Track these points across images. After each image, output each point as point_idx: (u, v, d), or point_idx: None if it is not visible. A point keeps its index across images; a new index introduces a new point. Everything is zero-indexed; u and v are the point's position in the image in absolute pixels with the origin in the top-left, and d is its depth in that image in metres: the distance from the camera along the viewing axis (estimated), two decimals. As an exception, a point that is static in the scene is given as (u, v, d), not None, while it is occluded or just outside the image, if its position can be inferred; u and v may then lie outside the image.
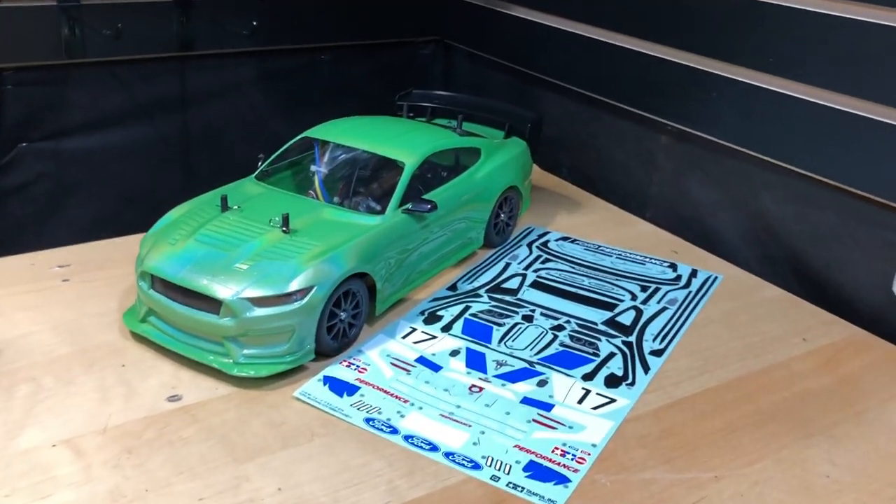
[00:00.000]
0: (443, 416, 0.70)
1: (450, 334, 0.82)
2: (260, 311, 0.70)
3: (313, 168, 0.91)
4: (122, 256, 0.92)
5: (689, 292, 0.93)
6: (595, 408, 0.72)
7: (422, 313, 0.85)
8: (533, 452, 0.66)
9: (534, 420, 0.70)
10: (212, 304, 0.71)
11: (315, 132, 0.92)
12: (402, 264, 0.83)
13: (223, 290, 0.71)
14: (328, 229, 0.78)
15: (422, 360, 0.77)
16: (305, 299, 0.71)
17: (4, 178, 1.21)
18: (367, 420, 0.68)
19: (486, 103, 1.09)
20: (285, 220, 0.76)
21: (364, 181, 0.89)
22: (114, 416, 0.67)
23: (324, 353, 0.76)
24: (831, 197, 0.91)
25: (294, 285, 0.71)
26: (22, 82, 1.18)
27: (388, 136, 0.91)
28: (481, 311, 0.86)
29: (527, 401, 0.72)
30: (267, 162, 0.90)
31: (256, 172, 0.89)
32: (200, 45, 1.30)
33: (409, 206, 0.83)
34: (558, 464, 0.65)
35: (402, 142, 0.89)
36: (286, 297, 0.71)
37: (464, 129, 1.03)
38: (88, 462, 0.62)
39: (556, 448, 0.66)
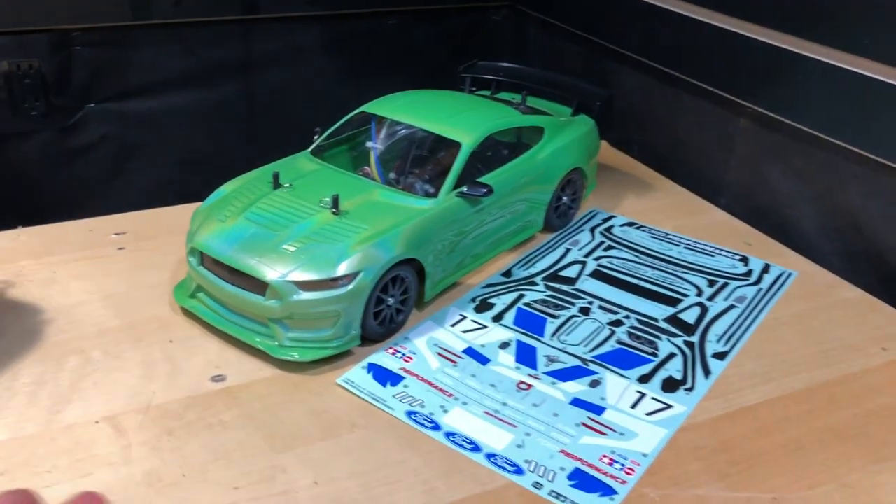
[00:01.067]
0: (487, 413, 0.67)
1: (501, 325, 0.79)
2: (306, 295, 0.69)
3: (369, 144, 0.88)
4: (178, 225, 0.91)
5: (760, 289, 0.87)
6: (649, 413, 0.68)
7: (473, 300, 0.82)
8: (579, 459, 0.63)
9: (583, 424, 0.66)
10: (258, 284, 0.70)
11: (372, 107, 0.89)
12: (454, 248, 0.80)
13: (270, 272, 0.69)
14: (379, 212, 0.75)
15: (470, 352, 0.74)
16: (352, 285, 0.69)
17: (71, 139, 1.22)
18: (409, 413, 0.66)
19: (555, 78, 1.04)
20: (335, 202, 0.74)
21: (420, 160, 0.86)
22: (157, 394, 0.67)
23: (370, 339, 0.74)
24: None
25: (341, 270, 0.69)
26: (89, 43, 1.18)
27: (447, 113, 0.87)
28: (535, 301, 0.83)
29: (577, 402, 0.69)
30: (322, 137, 0.88)
31: (311, 147, 0.87)
32: (266, 8, 1.28)
33: (463, 189, 0.80)
34: (605, 473, 0.62)
35: (461, 120, 0.86)
36: (332, 282, 0.69)
37: (528, 105, 0.98)
38: (129, 442, 0.62)
39: (605, 456, 0.63)
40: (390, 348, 0.74)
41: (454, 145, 0.82)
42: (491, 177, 0.84)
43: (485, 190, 0.79)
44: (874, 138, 0.88)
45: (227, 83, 1.32)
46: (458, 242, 0.81)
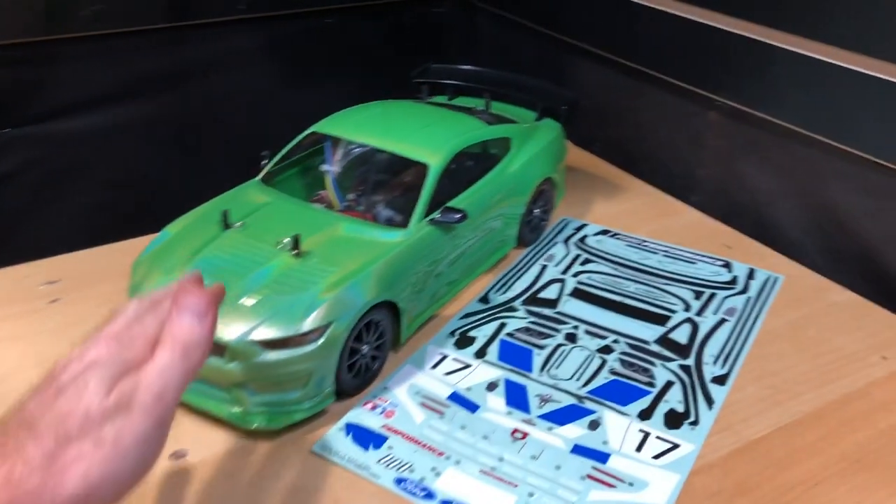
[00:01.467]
0: (484, 472, 0.61)
1: (485, 361, 0.72)
2: (271, 355, 0.61)
3: (324, 168, 0.80)
4: (118, 268, 0.81)
5: (749, 298, 0.83)
6: (656, 456, 0.63)
7: (452, 334, 0.76)
8: (590, 520, 0.57)
9: (588, 476, 0.61)
10: (216, 346, 0.62)
11: (325, 126, 0.81)
12: (429, 280, 0.74)
13: (227, 331, 0.61)
14: (345, 250, 0.68)
15: (455, 398, 0.68)
16: (322, 339, 0.62)
17: (-11, 169, 1.11)
18: (398, 481, 0.60)
19: (516, 80, 0.98)
20: (295, 243, 0.66)
21: (383, 184, 0.79)
22: (109, 481, 0.59)
23: (344, 393, 0.67)
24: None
25: (309, 323, 0.62)
26: (1, 62, 1.07)
27: (409, 130, 0.80)
28: (518, 330, 0.77)
29: (578, 449, 0.63)
30: (272, 162, 0.80)
31: (261, 174, 0.79)
32: (195, 13, 1.18)
33: (436, 216, 0.73)
34: (620, 534, 0.56)
35: (425, 137, 0.78)
36: (301, 338, 0.62)
37: (492, 112, 0.92)
38: (80, 545, 0.54)
39: (617, 513, 0.58)
40: (368, 402, 0.67)
41: (420, 167, 0.75)
42: (462, 198, 0.77)
43: (459, 216, 0.72)
44: (857, 133, 0.84)
45: (159, 96, 1.21)
46: (433, 273, 0.74)
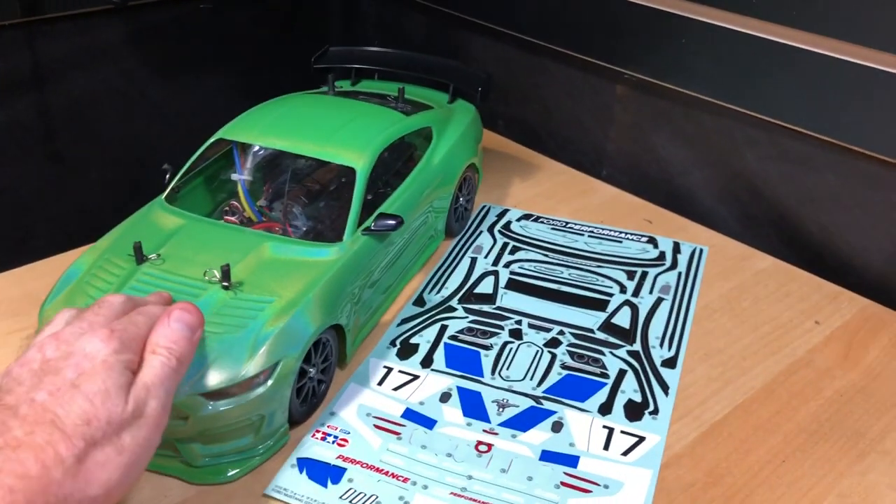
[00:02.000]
0: (454, 494, 0.58)
1: (433, 370, 0.69)
2: (218, 406, 0.55)
3: (235, 177, 0.74)
4: (5, 303, 0.73)
5: (679, 273, 0.83)
6: (625, 453, 0.62)
7: (392, 344, 0.72)
8: (575, 533, 0.55)
9: (562, 484, 0.59)
10: (148, 397, 0.55)
11: (231, 132, 0.74)
12: (364, 291, 0.69)
13: (161, 380, 0.54)
14: (278, 274, 0.62)
15: (410, 415, 0.64)
16: (272, 380, 0.56)
17: None
18: (368, 517, 0.56)
19: (424, 61, 0.93)
20: (225, 274, 0.60)
21: (304, 194, 0.73)
22: (40, 565, 0.51)
23: (294, 423, 0.62)
24: (828, 156, 0.82)
25: (256, 365, 0.56)
26: None
27: (326, 130, 0.74)
28: (460, 331, 0.73)
29: (547, 455, 0.61)
30: (176, 177, 0.72)
31: (165, 193, 0.71)
32: (50, 6, 1.06)
33: (369, 225, 0.68)
34: (606, 543, 0.54)
35: (345, 137, 0.73)
36: (248, 382, 0.56)
37: (405, 98, 0.87)
38: None
39: (599, 521, 0.56)
40: (318, 431, 0.62)
41: (345, 172, 0.70)
42: (392, 200, 0.72)
43: (394, 222, 0.68)
44: (770, 101, 0.85)
45: (16, 100, 1.09)
46: (368, 283, 0.69)
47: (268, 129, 0.74)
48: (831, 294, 0.81)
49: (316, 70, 0.94)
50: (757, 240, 0.90)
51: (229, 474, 0.57)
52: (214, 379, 0.54)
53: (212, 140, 0.74)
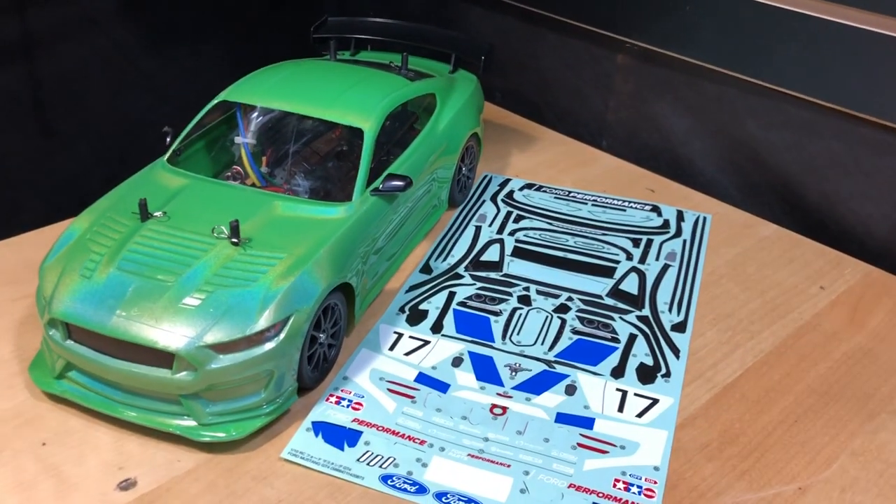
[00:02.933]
0: (472, 456, 0.57)
1: (443, 335, 0.68)
2: (227, 360, 0.54)
3: (238, 140, 0.72)
4: (3, 269, 0.72)
5: (685, 241, 0.83)
6: (639, 414, 0.61)
7: (402, 310, 0.71)
8: (593, 492, 0.55)
9: (579, 445, 0.58)
10: (160, 356, 0.54)
11: (234, 93, 0.73)
12: (372, 255, 0.68)
13: (174, 339, 0.54)
14: (288, 232, 0.61)
15: (423, 379, 0.63)
16: (283, 334, 0.56)
17: None
18: (385, 478, 0.55)
19: (426, 32, 0.92)
20: (234, 230, 0.59)
21: (310, 156, 0.72)
22: (51, 527, 0.51)
23: (305, 388, 0.61)
24: (830, 123, 0.82)
25: (266, 320, 0.55)
26: None
27: (331, 93, 0.73)
28: (469, 298, 0.73)
29: (562, 418, 0.61)
30: (178, 139, 0.71)
31: (167, 154, 0.70)
32: (41, -27, 1.04)
33: (377, 185, 0.67)
34: (625, 502, 0.54)
35: (351, 100, 0.72)
36: (258, 336, 0.55)
37: (409, 68, 0.86)
38: None
39: (617, 480, 0.56)
40: (331, 396, 0.61)
41: (353, 133, 0.69)
42: (400, 163, 0.71)
43: (403, 183, 0.67)
44: (773, 68, 0.84)
45: (4, 70, 1.06)
46: (373, 248, 0.68)
47: (272, 91, 0.73)
48: (834, 260, 0.81)
49: (315, 40, 0.92)
50: (759, 208, 0.90)
51: (236, 433, 0.55)
52: (225, 332, 0.53)
53: (214, 102, 0.72)
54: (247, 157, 0.72)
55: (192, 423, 0.56)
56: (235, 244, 0.59)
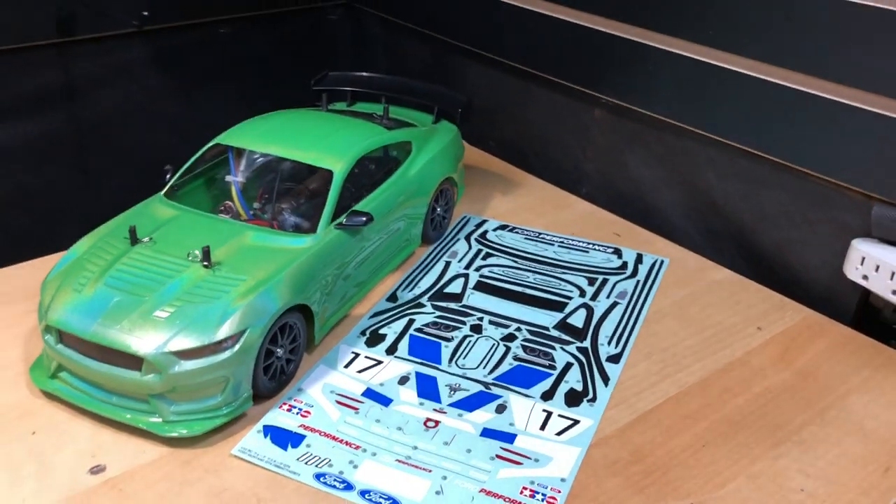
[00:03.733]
0: (399, 461, 0.64)
1: (396, 357, 0.76)
2: (188, 365, 0.63)
3: (228, 178, 0.82)
4: (20, 289, 0.82)
5: (638, 282, 0.89)
6: (559, 433, 0.68)
7: (363, 333, 0.79)
8: (501, 497, 0.61)
9: (497, 456, 0.65)
10: (132, 360, 0.63)
11: (228, 138, 0.83)
12: (338, 282, 0.76)
13: (143, 345, 0.63)
14: (255, 258, 0.70)
15: (369, 394, 0.71)
16: (238, 345, 0.64)
17: None
18: (318, 476, 0.62)
19: (411, 85, 1.01)
20: (206, 254, 0.68)
21: (288, 192, 0.81)
22: (27, 501, 0.59)
23: (261, 396, 0.69)
24: (780, 176, 0.88)
25: (223, 331, 0.64)
26: None
27: (311, 138, 0.82)
28: (426, 325, 0.80)
29: (487, 432, 0.67)
30: (176, 176, 0.81)
31: (165, 189, 0.80)
32: (82, 28, 1.17)
33: (342, 220, 0.76)
34: (529, 507, 0.61)
35: (328, 145, 0.81)
36: (216, 346, 0.63)
37: (391, 117, 0.95)
38: (4, 566, 0.55)
39: (525, 488, 0.62)
40: (284, 404, 0.69)
41: (325, 174, 0.78)
42: (367, 202, 0.80)
43: (364, 219, 0.76)
44: (725, 123, 0.91)
45: (48, 114, 1.19)
46: (341, 275, 0.77)
47: (260, 136, 0.82)
48: (778, 304, 0.86)
49: (315, 91, 1.02)
50: (719, 254, 0.96)
51: (195, 430, 0.64)
52: (186, 341, 0.62)
53: (210, 145, 0.82)
54: (236, 194, 0.81)
55: (158, 419, 0.64)
56: (207, 267, 0.68)
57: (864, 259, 0.80)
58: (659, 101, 0.97)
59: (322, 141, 0.82)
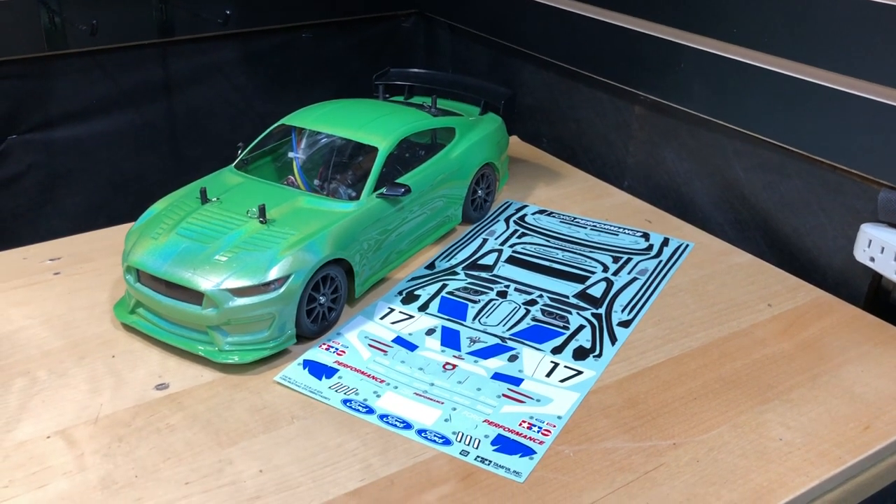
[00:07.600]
0: (417, 394, 0.73)
1: (426, 313, 0.85)
2: (240, 301, 0.74)
3: (291, 155, 0.93)
4: (111, 247, 0.95)
5: (660, 262, 0.96)
6: (563, 380, 0.75)
7: (400, 293, 0.88)
8: (501, 426, 0.70)
9: (503, 395, 0.73)
10: (195, 295, 0.75)
11: (291, 119, 0.95)
12: (380, 246, 0.86)
13: (204, 282, 0.74)
14: (304, 218, 0.81)
15: (398, 341, 0.80)
16: (283, 287, 0.75)
17: (-3, 171, 1.24)
18: (345, 401, 0.72)
19: (461, 80, 1.11)
20: (262, 211, 0.79)
21: (340, 166, 0.92)
22: (105, 406, 0.71)
23: (305, 337, 0.79)
24: (798, 165, 0.93)
25: (272, 274, 0.74)
26: (6, 76, 1.20)
27: (363, 120, 0.93)
28: (457, 289, 0.89)
29: (497, 376, 0.76)
30: (245, 151, 0.93)
31: (235, 162, 0.92)
32: (180, 30, 1.32)
33: (383, 190, 0.86)
34: (525, 436, 0.68)
35: (376, 126, 0.92)
36: (265, 287, 0.74)
37: (439, 107, 1.05)
38: (81, 451, 0.66)
39: (524, 421, 0.70)
40: (324, 344, 0.80)
41: (371, 150, 0.88)
42: (408, 177, 0.90)
43: (403, 189, 0.85)
44: (750, 117, 0.97)
45: (148, 105, 1.35)
46: (383, 241, 0.87)
47: (319, 118, 0.94)
48: (793, 285, 0.91)
49: (376, 85, 1.13)
50: (745, 242, 1.01)
51: (245, 358, 0.75)
52: (240, 281, 0.73)
53: (276, 125, 0.94)
54: (297, 168, 0.93)
55: (214, 348, 0.76)
56: (262, 222, 0.79)
57: (870, 242, 0.84)
58: (690, 97, 1.04)
59: (371, 123, 0.92)
